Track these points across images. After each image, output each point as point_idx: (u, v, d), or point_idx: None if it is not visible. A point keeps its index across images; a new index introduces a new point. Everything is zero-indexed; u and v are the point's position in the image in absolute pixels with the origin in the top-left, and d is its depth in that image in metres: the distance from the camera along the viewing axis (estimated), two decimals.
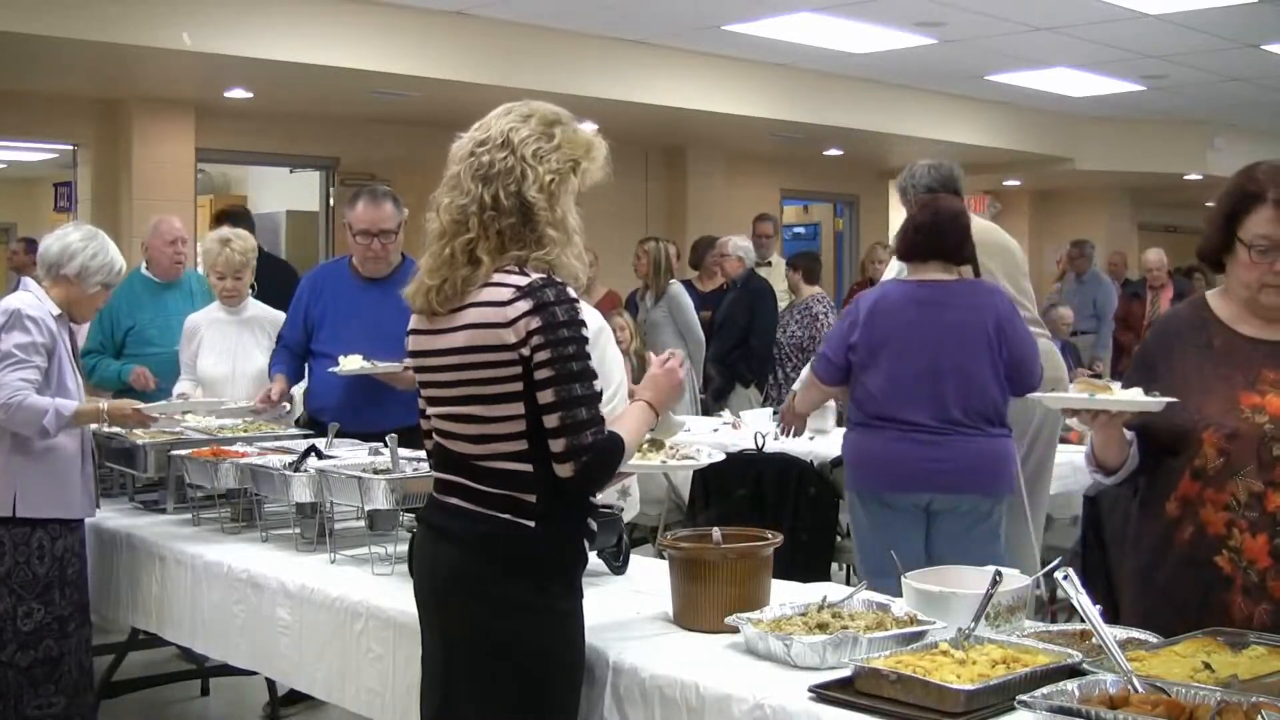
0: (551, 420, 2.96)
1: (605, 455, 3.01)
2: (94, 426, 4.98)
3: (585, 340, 3.01)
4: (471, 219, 3.04)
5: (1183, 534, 3.26)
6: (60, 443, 4.78)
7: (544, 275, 3.01)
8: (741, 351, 9.88)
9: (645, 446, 4.36)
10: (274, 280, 7.41)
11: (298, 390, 5.98)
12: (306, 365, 5.85)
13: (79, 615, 4.85)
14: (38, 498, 4.74)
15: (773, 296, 10.22)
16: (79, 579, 4.85)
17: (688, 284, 10.46)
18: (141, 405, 5.05)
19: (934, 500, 5.11)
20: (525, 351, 2.96)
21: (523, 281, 2.99)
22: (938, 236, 5.21)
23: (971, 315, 5.11)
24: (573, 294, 3.03)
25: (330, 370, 5.38)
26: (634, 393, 3.34)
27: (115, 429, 5.13)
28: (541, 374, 2.94)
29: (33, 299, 4.82)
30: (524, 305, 2.96)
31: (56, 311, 4.86)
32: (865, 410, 5.23)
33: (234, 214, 8.45)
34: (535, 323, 2.95)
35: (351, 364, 5.31)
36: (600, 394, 3.02)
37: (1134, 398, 3.18)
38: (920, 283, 5.22)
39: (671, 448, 4.15)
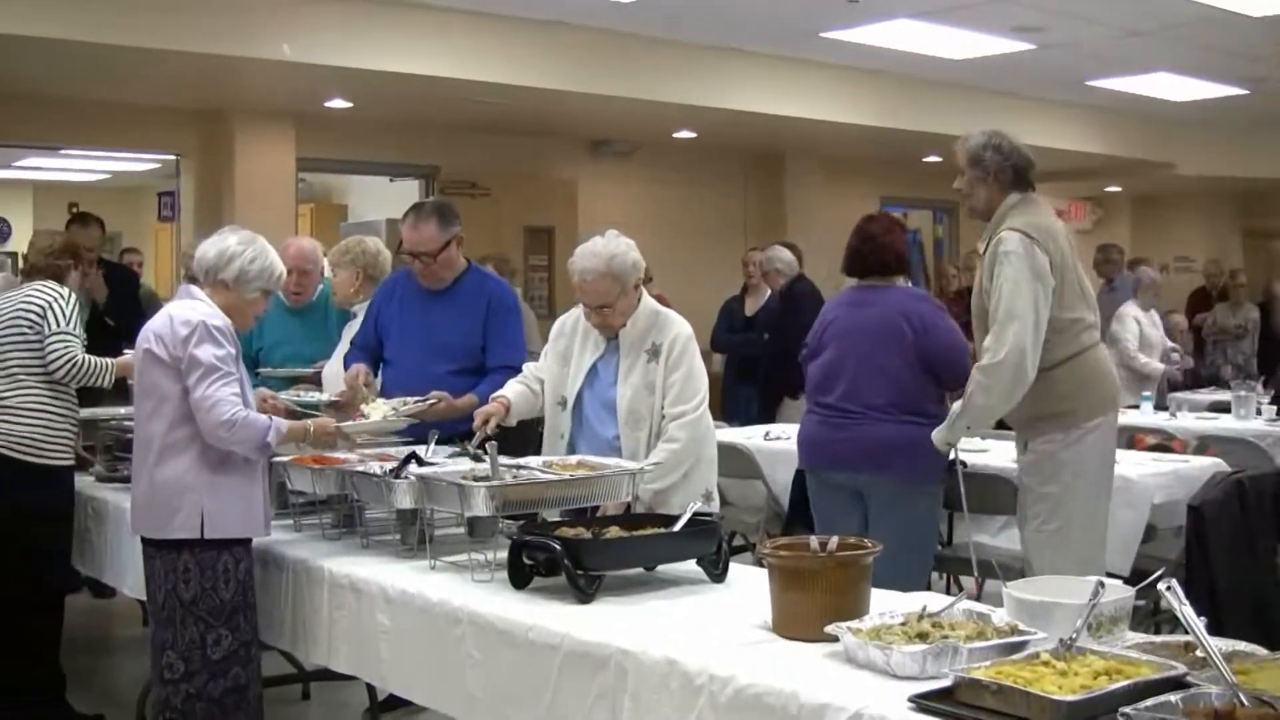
0: None
1: None
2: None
3: None
4: None
5: None
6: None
7: None
8: (781, 362, 9.31)
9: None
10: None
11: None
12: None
13: (258, 640, 4.62)
14: (226, 517, 4.46)
15: (811, 299, 9.69)
16: (256, 602, 4.60)
17: (735, 300, 11.10)
18: (345, 425, 4.85)
19: (855, 480, 5.68)
20: None
21: None
22: (862, 258, 5.97)
23: (888, 312, 5.74)
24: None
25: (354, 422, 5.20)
26: None
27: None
28: None
29: (208, 308, 4.51)
30: None
31: (228, 320, 4.54)
32: (807, 395, 6.09)
33: (82, 216, 9.02)
34: None
35: (376, 413, 5.19)
36: None
37: None
38: (857, 288, 5.99)
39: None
